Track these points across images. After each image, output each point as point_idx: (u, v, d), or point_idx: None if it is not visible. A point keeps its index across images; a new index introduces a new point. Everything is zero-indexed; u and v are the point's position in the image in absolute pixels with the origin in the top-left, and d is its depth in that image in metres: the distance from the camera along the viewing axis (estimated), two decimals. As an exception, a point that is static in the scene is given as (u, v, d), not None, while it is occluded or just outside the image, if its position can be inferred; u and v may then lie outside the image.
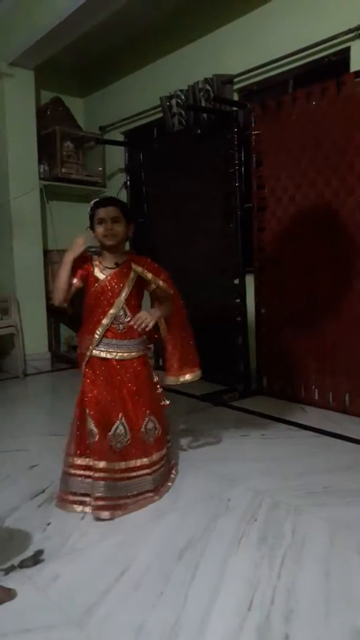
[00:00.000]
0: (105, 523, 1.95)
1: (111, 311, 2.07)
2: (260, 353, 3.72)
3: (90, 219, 2.14)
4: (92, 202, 2.15)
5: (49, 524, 1.95)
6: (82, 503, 2.05)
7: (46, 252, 4.87)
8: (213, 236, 3.88)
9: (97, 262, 2.15)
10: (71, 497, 2.07)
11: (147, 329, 2.11)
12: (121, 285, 2.09)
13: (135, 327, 2.09)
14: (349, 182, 3.04)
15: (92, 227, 2.14)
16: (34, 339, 4.69)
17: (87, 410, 2.04)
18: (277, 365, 3.60)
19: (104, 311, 2.08)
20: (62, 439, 2.87)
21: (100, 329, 2.07)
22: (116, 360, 2.09)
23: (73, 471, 2.08)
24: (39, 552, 1.75)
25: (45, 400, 3.81)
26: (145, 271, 2.14)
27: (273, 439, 2.82)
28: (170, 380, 2.32)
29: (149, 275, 2.14)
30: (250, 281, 3.72)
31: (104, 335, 2.08)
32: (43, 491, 2.23)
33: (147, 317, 2.09)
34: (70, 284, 2.10)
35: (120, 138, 5.08)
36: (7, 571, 1.64)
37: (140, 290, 2.17)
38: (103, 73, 5.19)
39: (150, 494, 2.08)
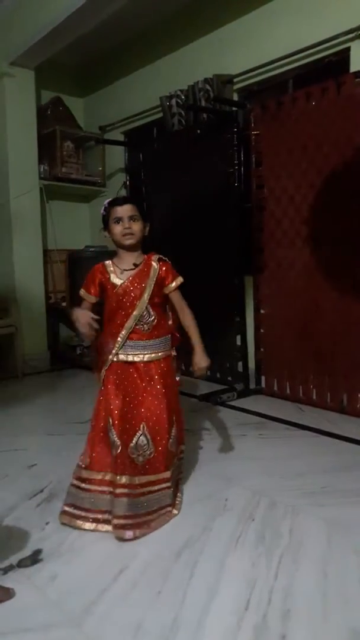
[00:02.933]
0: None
1: (135, 313, 1.94)
2: (258, 353, 3.72)
3: (104, 219, 2.02)
4: (105, 203, 2.03)
5: (47, 523, 1.95)
6: (95, 520, 1.90)
7: (46, 252, 4.87)
8: (212, 236, 3.89)
9: (112, 267, 2.01)
10: (82, 513, 1.91)
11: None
12: (143, 285, 1.96)
13: (196, 374, 2.07)
14: (348, 183, 3.04)
15: (106, 228, 2.03)
16: (33, 338, 4.69)
17: (111, 420, 1.91)
18: (275, 365, 3.61)
19: (128, 313, 1.95)
20: (60, 438, 2.91)
21: (124, 331, 1.95)
22: (144, 362, 1.97)
23: (87, 486, 1.93)
24: (38, 552, 1.75)
25: (44, 400, 3.81)
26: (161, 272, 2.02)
27: (271, 439, 2.83)
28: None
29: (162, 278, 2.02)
30: (249, 281, 3.73)
31: (128, 338, 1.96)
32: (42, 491, 2.23)
33: (203, 363, 2.06)
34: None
35: (120, 138, 5.09)
36: (6, 570, 1.65)
37: (161, 288, 2.02)
38: (103, 73, 5.19)
39: (169, 508, 1.96)
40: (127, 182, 5.12)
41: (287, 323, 3.48)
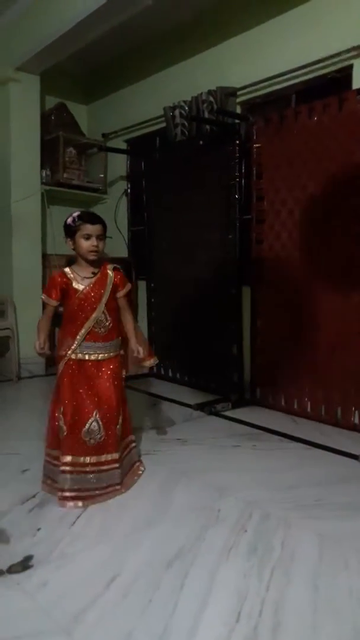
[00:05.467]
0: (95, 530, 1.96)
1: (94, 315, 2.20)
2: (254, 364, 3.73)
3: (71, 229, 2.21)
4: (75, 215, 2.22)
5: (39, 529, 1.95)
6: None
7: (45, 256, 4.88)
8: (211, 246, 3.91)
9: (72, 274, 2.24)
10: (52, 483, 2.25)
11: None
12: (102, 291, 2.23)
13: (135, 355, 2.33)
14: (347, 198, 3.07)
15: (70, 236, 2.23)
16: (29, 342, 4.61)
17: (61, 408, 2.20)
18: (271, 376, 3.62)
19: (87, 316, 2.20)
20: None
21: (83, 330, 2.20)
22: (96, 361, 2.24)
23: (49, 459, 2.29)
24: (28, 558, 1.75)
25: (38, 404, 3.79)
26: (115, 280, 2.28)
27: (265, 450, 2.83)
28: (148, 363, 2.49)
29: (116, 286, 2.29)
30: (247, 292, 3.75)
31: (85, 339, 2.22)
32: (34, 496, 2.23)
33: (139, 346, 2.32)
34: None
35: (123, 146, 5.12)
36: (-4, 576, 1.64)
37: (115, 293, 2.28)
38: (108, 81, 5.23)
39: (118, 487, 2.24)
40: (128, 190, 5.14)
41: (284, 335, 3.50)
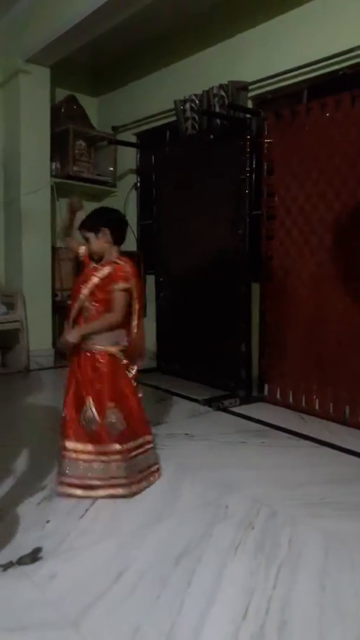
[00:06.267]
0: (103, 524, 1.98)
1: (77, 304, 2.31)
2: (262, 360, 3.73)
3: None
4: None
5: (48, 521, 1.97)
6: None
7: (54, 249, 4.89)
8: (221, 242, 3.90)
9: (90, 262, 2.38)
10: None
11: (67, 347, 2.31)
12: (90, 281, 2.29)
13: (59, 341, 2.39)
14: (358, 195, 3.05)
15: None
16: (39, 334, 4.71)
17: (66, 396, 2.30)
18: (279, 373, 3.62)
19: (73, 303, 2.34)
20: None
21: (71, 316, 2.34)
22: (85, 350, 2.29)
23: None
24: (38, 550, 1.77)
25: (47, 396, 3.82)
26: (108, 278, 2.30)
27: (272, 447, 2.83)
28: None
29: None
30: (256, 288, 3.74)
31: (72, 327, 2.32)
32: (43, 488, 2.25)
33: (68, 336, 2.28)
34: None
35: (133, 139, 5.10)
36: (6, 567, 1.66)
37: (108, 286, 2.29)
38: (118, 74, 5.21)
39: (123, 481, 2.19)
40: (138, 184, 5.13)
41: (292, 332, 3.49)
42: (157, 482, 2.33)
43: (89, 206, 5.60)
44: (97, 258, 2.34)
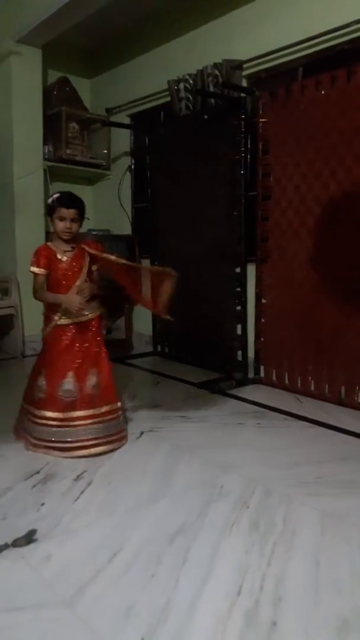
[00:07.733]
0: (98, 506, 1.97)
1: (77, 283, 2.42)
2: (258, 342, 3.72)
3: (50, 209, 2.46)
4: (55, 196, 2.45)
5: (43, 504, 1.97)
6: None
7: (48, 234, 4.84)
8: (216, 223, 3.87)
9: (54, 248, 2.46)
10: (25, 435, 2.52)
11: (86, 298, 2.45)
12: (82, 262, 2.46)
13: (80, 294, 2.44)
14: (355, 174, 3.02)
15: (49, 215, 2.48)
16: (34, 320, 4.63)
17: (43, 370, 2.47)
18: (275, 355, 3.61)
19: (69, 285, 2.42)
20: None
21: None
22: (77, 324, 2.45)
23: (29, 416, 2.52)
24: (33, 532, 1.76)
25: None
26: (101, 253, 2.50)
27: (268, 428, 2.83)
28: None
29: (104, 255, 2.50)
30: (252, 270, 3.71)
31: None
32: (38, 472, 2.24)
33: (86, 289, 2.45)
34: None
35: (127, 121, 5.02)
36: (1, 549, 1.66)
37: (92, 265, 2.52)
38: (111, 54, 5.12)
39: (96, 443, 2.42)
40: (132, 166, 5.07)
41: (288, 313, 3.48)
42: (152, 462, 2.34)
43: (83, 191, 5.61)
44: (66, 239, 2.45)
